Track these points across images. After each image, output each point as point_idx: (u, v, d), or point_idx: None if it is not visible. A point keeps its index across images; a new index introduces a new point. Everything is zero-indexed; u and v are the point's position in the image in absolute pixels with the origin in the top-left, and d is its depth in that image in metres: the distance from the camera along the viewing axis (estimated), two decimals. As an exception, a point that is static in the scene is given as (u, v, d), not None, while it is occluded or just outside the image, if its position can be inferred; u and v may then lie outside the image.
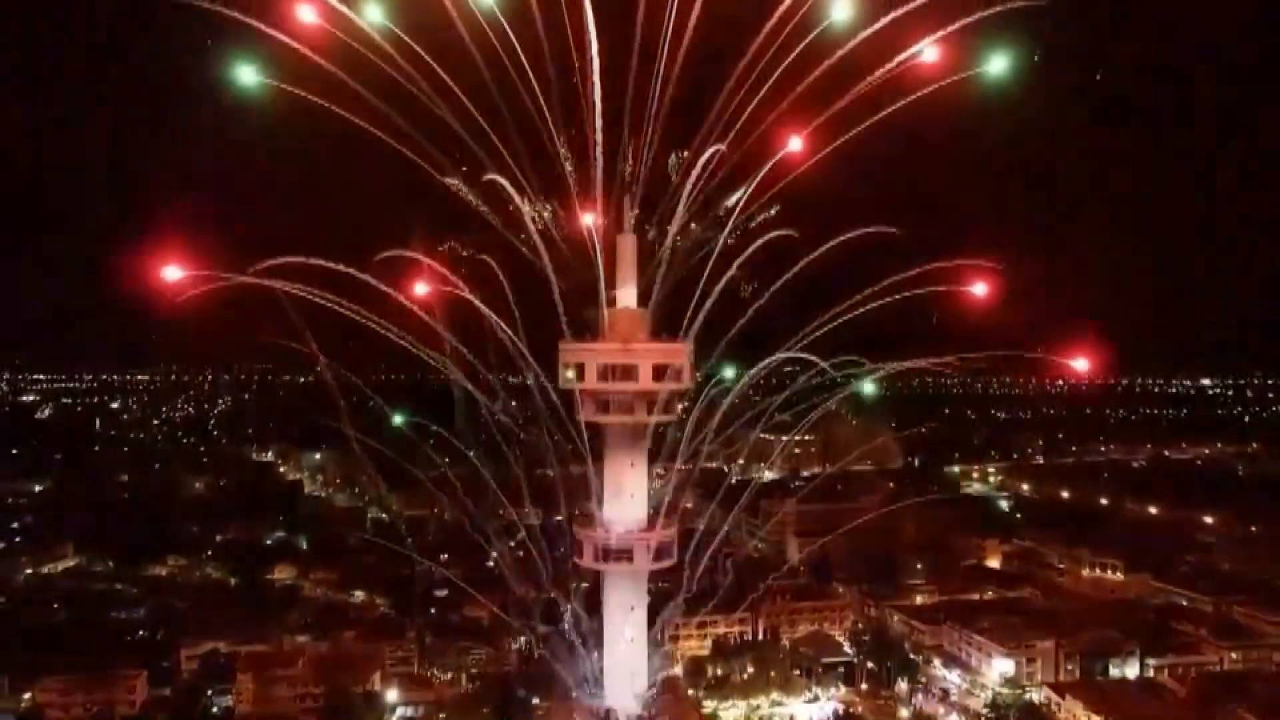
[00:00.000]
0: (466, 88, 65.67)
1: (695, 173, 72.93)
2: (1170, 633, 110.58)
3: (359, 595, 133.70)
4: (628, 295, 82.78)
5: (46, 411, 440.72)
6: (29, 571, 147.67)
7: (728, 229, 71.91)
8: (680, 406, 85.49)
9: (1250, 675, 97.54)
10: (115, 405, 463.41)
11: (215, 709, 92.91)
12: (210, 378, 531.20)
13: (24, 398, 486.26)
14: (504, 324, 74.45)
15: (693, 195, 72.67)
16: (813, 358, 73.90)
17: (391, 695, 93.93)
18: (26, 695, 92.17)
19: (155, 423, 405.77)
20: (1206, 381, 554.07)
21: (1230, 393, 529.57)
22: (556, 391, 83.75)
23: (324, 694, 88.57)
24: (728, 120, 65.95)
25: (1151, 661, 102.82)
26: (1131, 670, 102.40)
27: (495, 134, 67.88)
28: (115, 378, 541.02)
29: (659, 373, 79.79)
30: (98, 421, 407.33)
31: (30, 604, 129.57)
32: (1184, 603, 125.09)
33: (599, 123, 67.83)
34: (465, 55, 63.95)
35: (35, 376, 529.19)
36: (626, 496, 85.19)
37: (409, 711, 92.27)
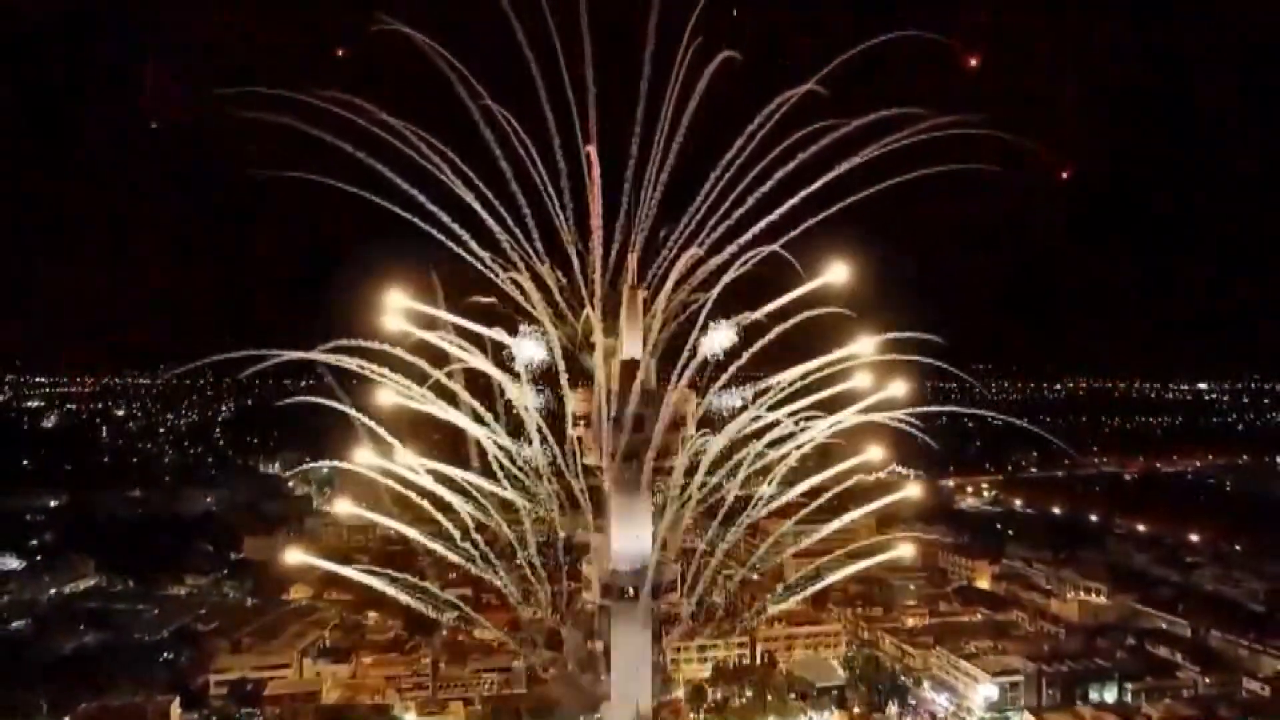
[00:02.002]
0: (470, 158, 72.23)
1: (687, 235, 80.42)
2: (1148, 658, 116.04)
3: (372, 616, 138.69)
4: (633, 347, 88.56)
5: (53, 419, 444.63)
6: (52, 592, 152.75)
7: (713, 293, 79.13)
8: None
9: (1219, 699, 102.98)
10: (120, 412, 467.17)
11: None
12: (211, 380, 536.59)
13: (28, 404, 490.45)
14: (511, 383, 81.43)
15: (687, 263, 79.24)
16: (779, 415, 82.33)
17: (411, 718, 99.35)
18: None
19: (161, 431, 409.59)
20: (1203, 386, 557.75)
21: (1226, 398, 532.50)
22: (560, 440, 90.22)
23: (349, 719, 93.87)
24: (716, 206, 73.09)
25: (1130, 687, 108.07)
26: (1110, 695, 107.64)
27: (500, 201, 74.28)
28: (117, 381, 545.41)
29: (666, 423, 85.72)
30: (104, 430, 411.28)
31: (56, 626, 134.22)
32: (1164, 626, 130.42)
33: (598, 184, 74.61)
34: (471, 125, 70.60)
35: (37, 380, 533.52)
36: (630, 534, 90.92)
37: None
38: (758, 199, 70.34)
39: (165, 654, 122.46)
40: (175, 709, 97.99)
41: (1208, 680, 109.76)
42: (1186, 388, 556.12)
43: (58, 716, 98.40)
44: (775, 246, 70.88)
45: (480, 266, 75.20)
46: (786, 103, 67.38)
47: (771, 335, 77.78)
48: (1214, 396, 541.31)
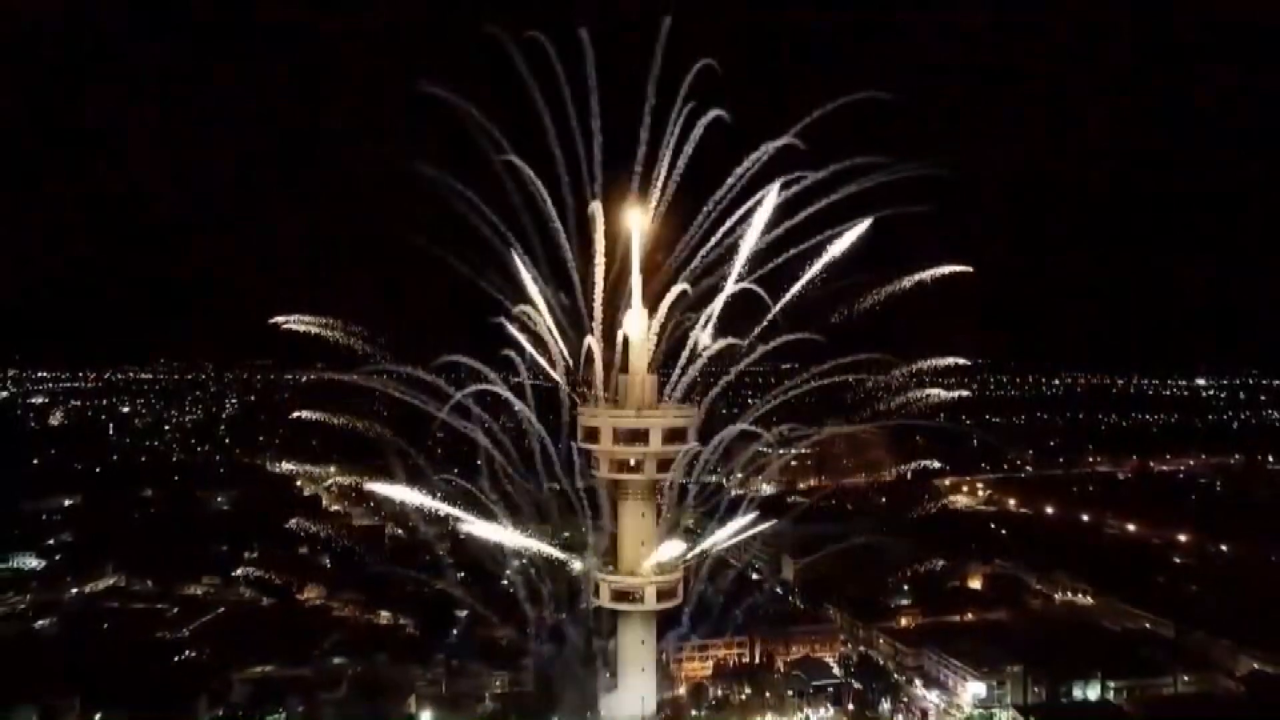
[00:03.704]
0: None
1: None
2: (1131, 657, 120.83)
3: (385, 616, 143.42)
4: (639, 363, 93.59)
5: (58, 415, 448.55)
6: (74, 591, 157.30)
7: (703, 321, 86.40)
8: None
9: (1196, 699, 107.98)
10: (126, 409, 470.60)
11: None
12: (213, 374, 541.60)
13: (33, 399, 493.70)
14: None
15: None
16: (759, 430, 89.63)
17: (426, 717, 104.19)
18: (97, 716, 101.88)
19: (167, 428, 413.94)
20: (1201, 381, 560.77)
21: (1224, 395, 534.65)
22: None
23: (367, 718, 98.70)
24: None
25: (1112, 685, 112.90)
26: (1093, 693, 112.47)
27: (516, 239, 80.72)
28: (119, 376, 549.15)
29: (668, 436, 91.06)
30: (111, 428, 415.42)
31: (81, 625, 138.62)
32: (1148, 625, 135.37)
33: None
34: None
35: (39, 374, 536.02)
36: (638, 543, 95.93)
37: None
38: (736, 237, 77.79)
39: (187, 652, 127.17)
40: (202, 705, 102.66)
41: (1187, 679, 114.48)
42: (1185, 383, 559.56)
43: (89, 714, 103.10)
44: (748, 283, 78.76)
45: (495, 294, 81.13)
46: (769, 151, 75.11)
47: (752, 357, 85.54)
48: (1211, 392, 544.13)
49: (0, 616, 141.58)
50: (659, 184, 77.49)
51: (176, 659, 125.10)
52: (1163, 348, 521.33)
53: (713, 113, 74.18)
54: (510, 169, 74.59)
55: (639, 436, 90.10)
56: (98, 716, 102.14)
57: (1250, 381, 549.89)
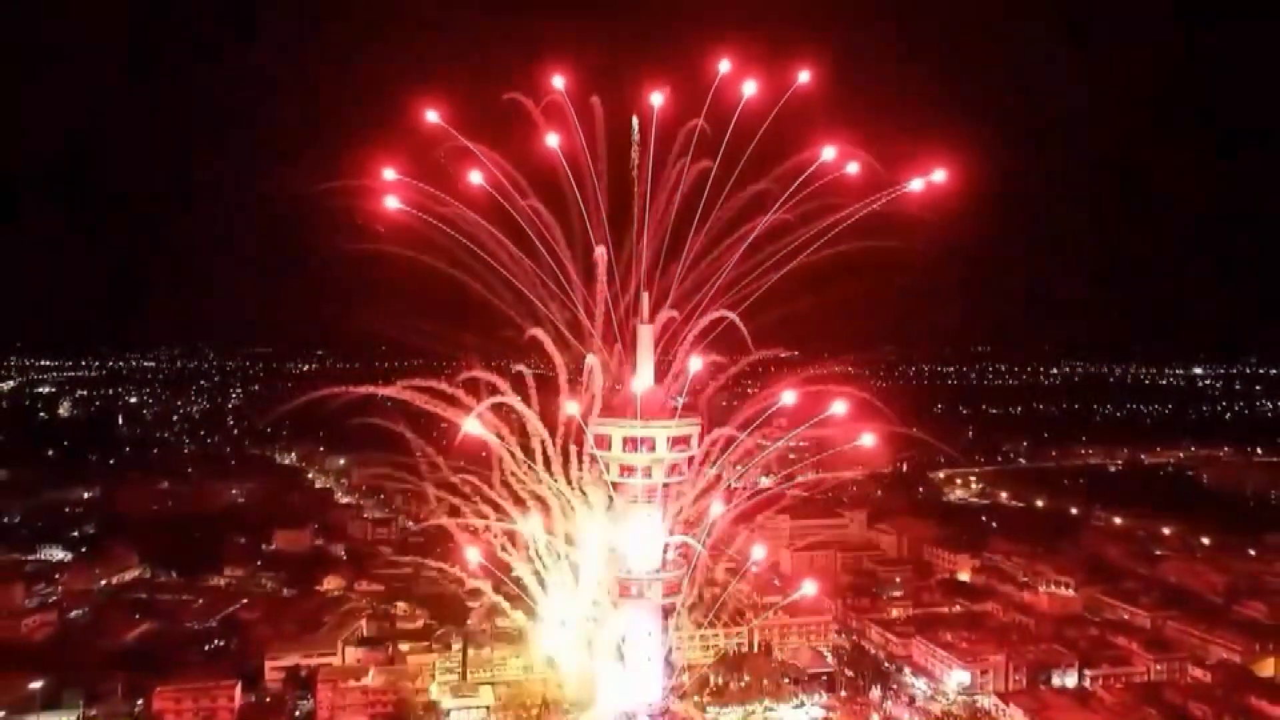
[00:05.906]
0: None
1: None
2: (1107, 646, 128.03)
3: (401, 606, 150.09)
4: (646, 376, 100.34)
5: (67, 405, 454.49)
6: (102, 583, 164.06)
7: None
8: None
9: (1167, 685, 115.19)
10: (134, 399, 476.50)
11: (299, 713, 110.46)
12: (214, 363, 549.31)
13: (40, 389, 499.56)
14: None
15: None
16: (738, 432, 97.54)
17: (447, 702, 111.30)
18: (139, 702, 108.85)
19: (174, 418, 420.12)
20: (1199, 371, 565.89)
21: (1220, 384, 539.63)
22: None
23: (392, 702, 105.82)
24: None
25: (1089, 673, 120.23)
26: (1071, 680, 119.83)
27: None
28: (121, 364, 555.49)
29: (674, 442, 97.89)
30: (120, 419, 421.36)
31: (112, 615, 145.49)
32: (1126, 616, 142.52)
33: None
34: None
35: (43, 363, 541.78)
36: (643, 541, 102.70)
37: (465, 717, 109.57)
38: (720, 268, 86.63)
39: (216, 641, 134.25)
40: (237, 692, 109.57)
41: (1159, 667, 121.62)
42: (1181, 372, 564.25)
43: (132, 700, 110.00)
44: (725, 312, 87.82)
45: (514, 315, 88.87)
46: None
47: (734, 369, 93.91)
48: (1207, 383, 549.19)
49: (35, 607, 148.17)
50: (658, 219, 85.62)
51: (207, 647, 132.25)
52: (1161, 336, 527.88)
53: (701, 163, 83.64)
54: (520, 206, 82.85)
55: (646, 443, 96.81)
56: (139, 702, 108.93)
57: (1248, 371, 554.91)
